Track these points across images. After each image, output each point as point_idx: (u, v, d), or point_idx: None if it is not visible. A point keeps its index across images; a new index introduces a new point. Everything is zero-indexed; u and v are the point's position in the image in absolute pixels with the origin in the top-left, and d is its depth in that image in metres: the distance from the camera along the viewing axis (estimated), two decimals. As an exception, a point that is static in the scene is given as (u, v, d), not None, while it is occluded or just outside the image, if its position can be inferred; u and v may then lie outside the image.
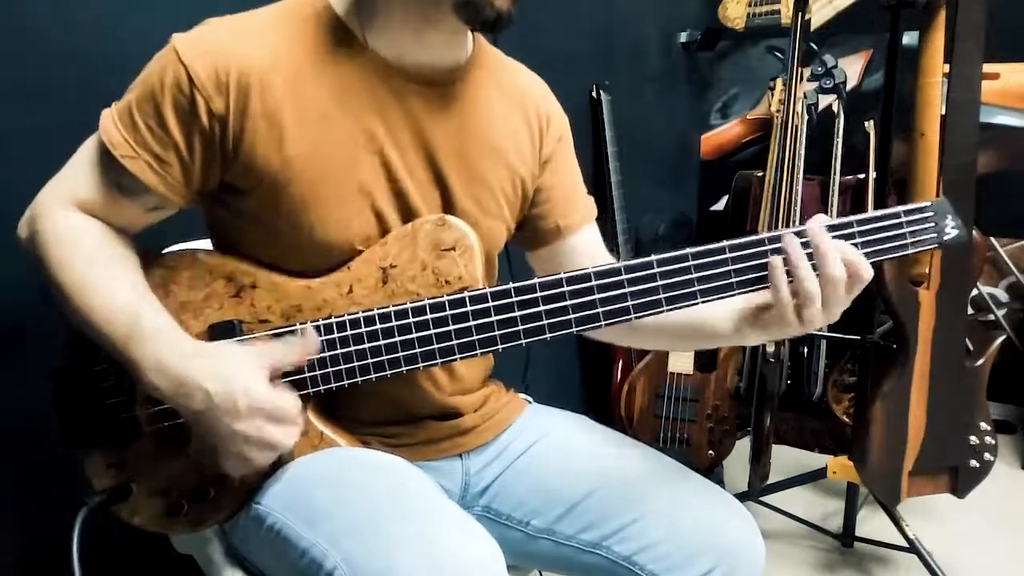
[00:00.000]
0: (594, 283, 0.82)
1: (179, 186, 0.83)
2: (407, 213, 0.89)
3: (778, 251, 0.81)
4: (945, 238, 0.84)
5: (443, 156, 0.90)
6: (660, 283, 0.82)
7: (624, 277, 0.82)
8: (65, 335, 0.86)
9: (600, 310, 0.82)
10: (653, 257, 0.82)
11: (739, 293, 0.83)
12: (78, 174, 0.84)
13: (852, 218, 0.82)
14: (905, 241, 0.84)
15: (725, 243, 0.82)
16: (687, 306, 0.82)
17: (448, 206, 0.91)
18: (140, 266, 0.85)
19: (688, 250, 0.82)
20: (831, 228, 0.82)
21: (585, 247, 1.06)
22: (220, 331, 0.84)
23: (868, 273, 0.81)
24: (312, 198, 0.83)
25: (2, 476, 1.05)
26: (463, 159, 0.92)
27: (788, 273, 0.80)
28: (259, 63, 0.80)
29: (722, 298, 0.83)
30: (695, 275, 0.82)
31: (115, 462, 0.85)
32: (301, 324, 0.84)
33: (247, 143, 0.81)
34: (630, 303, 0.82)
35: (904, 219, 0.84)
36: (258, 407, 0.77)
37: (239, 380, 0.77)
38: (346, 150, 0.84)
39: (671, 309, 0.82)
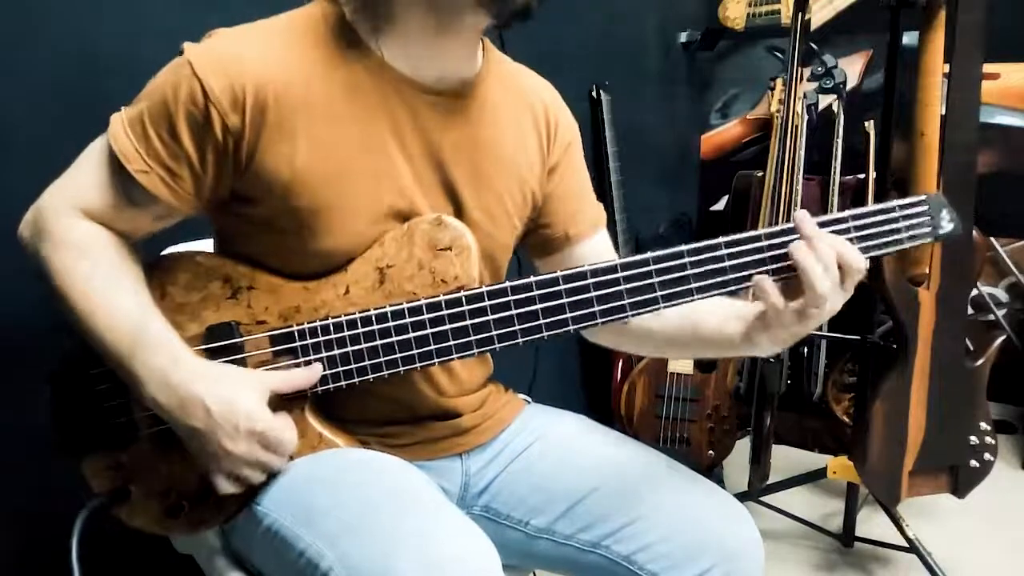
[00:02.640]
0: (590, 280, 0.82)
1: (190, 198, 0.83)
2: None
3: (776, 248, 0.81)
4: (940, 232, 0.84)
5: (454, 167, 0.90)
6: (656, 280, 0.82)
7: (620, 275, 0.82)
8: (66, 337, 0.86)
9: (597, 308, 0.82)
10: (649, 255, 0.82)
11: (736, 289, 0.82)
12: (85, 179, 0.84)
13: (847, 212, 0.83)
14: (901, 235, 0.84)
15: (721, 239, 0.82)
16: (683, 303, 0.82)
17: (459, 217, 0.91)
18: (143, 275, 0.85)
19: (684, 247, 0.82)
20: (826, 224, 0.82)
21: (594, 253, 1.06)
22: (218, 333, 0.84)
23: (861, 264, 0.81)
24: (322, 208, 0.83)
25: (2, 477, 1.05)
26: (474, 169, 0.92)
27: (799, 277, 0.80)
28: (273, 76, 0.80)
29: (719, 295, 0.83)
30: (691, 271, 0.82)
31: (114, 464, 0.86)
32: (298, 326, 0.84)
33: (260, 155, 0.81)
34: (626, 300, 0.82)
35: (899, 213, 0.84)
36: (256, 431, 0.79)
37: (241, 403, 0.79)
38: (357, 161, 0.84)
39: (667, 306, 0.82)
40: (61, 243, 0.82)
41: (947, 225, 0.84)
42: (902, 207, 0.84)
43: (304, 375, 0.84)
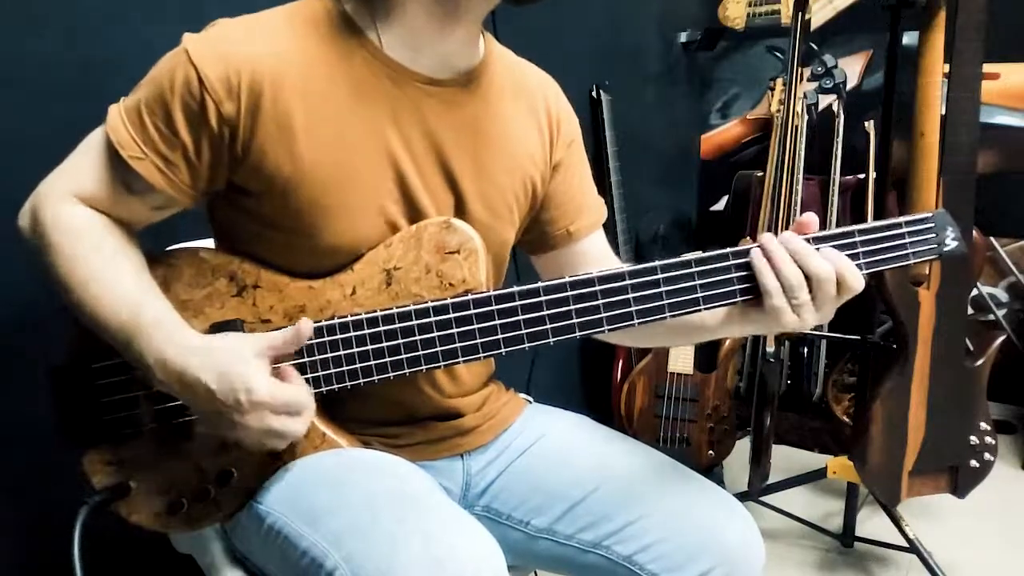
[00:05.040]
0: (598, 288, 0.82)
1: (186, 187, 0.83)
2: (418, 218, 0.88)
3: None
4: (945, 249, 0.85)
5: (455, 160, 0.90)
6: (664, 288, 0.82)
7: (628, 283, 0.82)
8: (66, 333, 0.86)
9: (604, 315, 0.82)
10: (657, 263, 0.82)
11: (740, 301, 0.83)
12: (83, 168, 0.84)
13: (854, 227, 0.83)
14: (906, 251, 0.85)
15: (729, 250, 0.82)
16: (689, 312, 0.83)
17: (460, 210, 0.91)
18: (143, 259, 0.85)
19: (692, 257, 0.82)
20: (835, 237, 0.82)
21: (593, 252, 1.06)
22: (222, 330, 0.84)
23: (858, 284, 0.81)
24: (322, 202, 0.83)
25: (2, 476, 1.05)
26: (475, 162, 0.92)
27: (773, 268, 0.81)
28: (270, 66, 0.80)
29: (723, 305, 0.83)
30: (698, 281, 0.82)
31: (114, 460, 0.86)
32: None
33: (257, 146, 0.81)
34: (633, 308, 0.82)
35: (905, 229, 0.84)
36: (260, 402, 0.76)
37: (239, 376, 0.76)
38: (357, 154, 0.84)
39: (674, 315, 0.83)
40: (59, 229, 0.82)
41: (951, 243, 0.85)
42: (908, 223, 0.84)
43: (294, 329, 0.80)
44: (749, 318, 0.87)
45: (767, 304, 0.81)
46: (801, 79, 2.14)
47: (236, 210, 0.86)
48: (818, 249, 0.81)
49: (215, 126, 0.80)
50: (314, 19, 0.84)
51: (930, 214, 0.85)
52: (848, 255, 0.82)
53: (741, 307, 0.86)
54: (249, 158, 0.81)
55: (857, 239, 0.83)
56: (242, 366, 0.76)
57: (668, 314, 0.82)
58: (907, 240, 0.84)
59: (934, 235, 0.85)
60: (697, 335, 0.96)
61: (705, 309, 0.83)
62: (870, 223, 0.83)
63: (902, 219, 0.85)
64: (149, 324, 0.78)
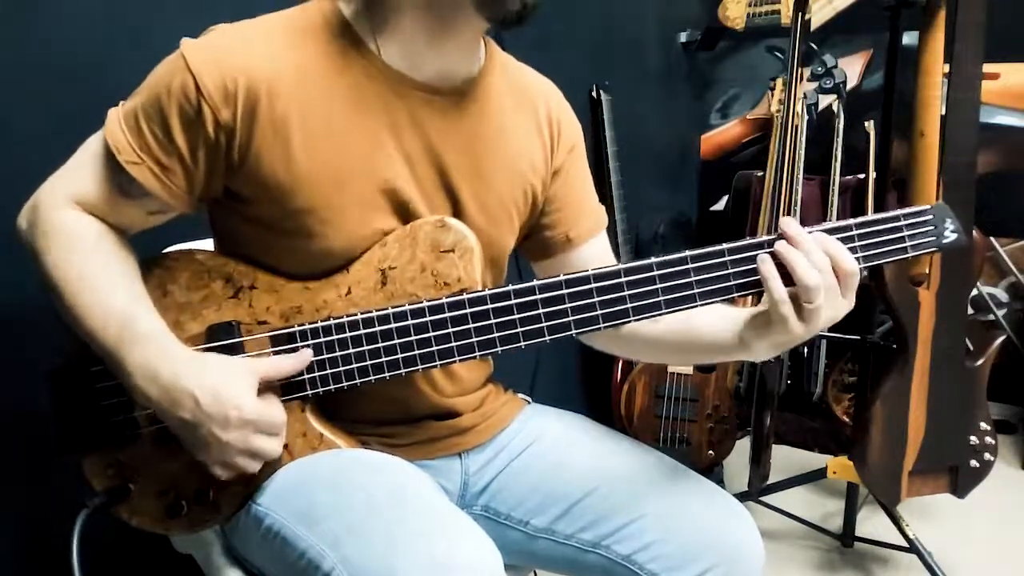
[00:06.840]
0: (593, 285, 0.82)
1: (182, 193, 0.83)
2: None
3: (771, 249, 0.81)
4: (944, 242, 0.85)
5: (454, 168, 0.90)
6: (659, 285, 0.82)
7: (623, 280, 0.82)
8: (64, 335, 0.86)
9: (599, 312, 0.82)
10: (652, 259, 0.82)
11: (737, 296, 0.83)
12: (81, 171, 0.84)
13: (851, 221, 0.83)
14: (904, 244, 0.84)
15: (724, 246, 0.82)
16: (686, 308, 0.82)
17: (458, 218, 0.91)
18: (137, 268, 0.85)
19: (687, 252, 0.82)
20: (831, 231, 0.82)
21: (594, 256, 1.06)
22: (219, 332, 0.84)
23: (850, 265, 0.80)
24: (318, 208, 0.83)
25: (2, 476, 1.05)
26: (474, 171, 0.91)
27: (784, 271, 0.80)
28: (268, 73, 0.80)
29: (720, 301, 0.83)
30: (694, 278, 0.82)
31: (114, 463, 0.85)
32: (300, 326, 0.84)
33: (254, 153, 0.81)
34: (629, 305, 0.82)
35: (903, 222, 0.84)
36: (246, 420, 0.78)
37: (229, 392, 0.78)
38: (354, 161, 0.84)
39: (669, 312, 0.82)
40: (55, 234, 0.82)
41: (950, 235, 0.85)
42: (907, 216, 0.84)
43: (292, 360, 0.83)
44: (763, 328, 0.85)
45: (774, 313, 0.81)
46: (801, 79, 2.14)
47: (233, 215, 0.87)
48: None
49: (211, 133, 0.80)
50: (313, 26, 0.84)
51: (928, 207, 0.85)
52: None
53: (754, 320, 0.86)
54: (245, 164, 0.81)
55: (855, 232, 0.83)
56: (233, 385, 0.78)
57: (664, 310, 0.82)
58: (905, 233, 0.84)
59: (933, 227, 0.85)
60: (711, 354, 0.96)
61: (701, 305, 0.83)
62: (868, 216, 0.83)
63: (900, 212, 0.84)
64: (141, 335, 0.79)
